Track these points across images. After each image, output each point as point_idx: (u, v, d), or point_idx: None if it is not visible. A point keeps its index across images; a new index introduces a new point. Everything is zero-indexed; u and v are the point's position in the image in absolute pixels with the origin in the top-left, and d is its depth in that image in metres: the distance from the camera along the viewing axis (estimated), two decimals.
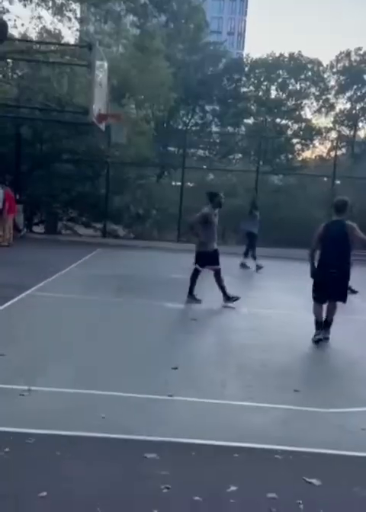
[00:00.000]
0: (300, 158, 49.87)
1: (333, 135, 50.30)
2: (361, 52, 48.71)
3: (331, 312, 9.13)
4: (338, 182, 29.92)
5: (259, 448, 4.91)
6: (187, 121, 46.90)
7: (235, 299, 11.67)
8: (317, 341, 8.84)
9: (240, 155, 46.91)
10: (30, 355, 7.26)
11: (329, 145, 47.46)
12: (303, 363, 7.85)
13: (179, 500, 3.96)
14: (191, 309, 11.02)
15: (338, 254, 8.87)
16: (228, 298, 11.68)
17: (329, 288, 8.99)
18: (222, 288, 11.79)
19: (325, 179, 30.42)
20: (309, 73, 49.37)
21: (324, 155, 47.54)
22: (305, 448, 4.94)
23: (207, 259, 11.80)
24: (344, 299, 9.02)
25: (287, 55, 49.21)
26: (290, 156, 48.60)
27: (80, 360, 7.22)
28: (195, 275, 11.88)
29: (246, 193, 26.27)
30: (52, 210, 26.78)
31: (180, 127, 44.28)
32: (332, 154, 37.15)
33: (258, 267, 18.44)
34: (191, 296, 11.83)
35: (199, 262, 11.87)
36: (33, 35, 23.60)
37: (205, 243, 11.78)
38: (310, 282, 9.24)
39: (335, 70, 49.76)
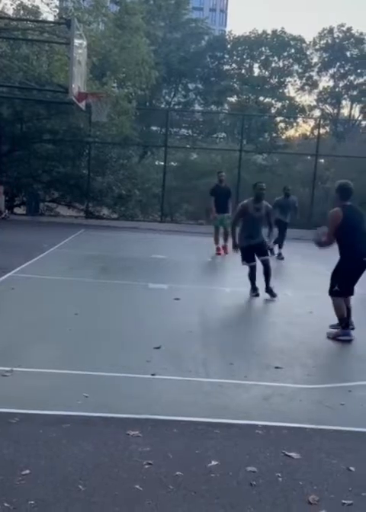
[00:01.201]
0: (283, 137, 49.86)
1: (317, 113, 50.34)
2: (344, 28, 48.56)
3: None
4: (321, 160, 30.00)
5: (240, 424, 4.98)
6: (170, 100, 46.70)
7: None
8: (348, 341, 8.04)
9: (224, 134, 46.83)
10: (13, 336, 7.29)
11: (312, 123, 47.52)
12: (284, 340, 7.91)
13: (161, 476, 4.01)
14: (173, 289, 11.05)
15: None
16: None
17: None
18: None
19: (309, 157, 30.46)
20: (292, 50, 49.17)
21: (308, 133, 47.57)
22: (285, 423, 5.02)
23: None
24: None
25: (269, 32, 48.98)
26: (273, 135, 48.57)
27: (63, 341, 7.26)
28: (250, 273, 11.07)
29: (229, 173, 26.30)
30: (33, 191, 26.62)
31: (162, 106, 44.09)
32: (316, 132, 37.16)
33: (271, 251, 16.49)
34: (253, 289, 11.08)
35: (245, 258, 11.13)
36: (10, 12, 23.29)
37: (242, 237, 11.12)
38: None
39: (317, 47, 49.62)
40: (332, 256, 8.59)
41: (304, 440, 4.74)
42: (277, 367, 6.57)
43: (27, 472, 3.96)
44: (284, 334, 8.29)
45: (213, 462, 4.22)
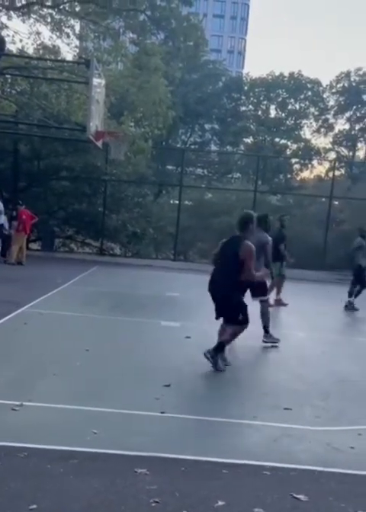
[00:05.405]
0: (298, 178, 50.13)
1: (332, 155, 50.57)
2: (361, 72, 49.12)
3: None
4: (336, 203, 30.10)
5: (248, 464, 4.95)
6: (186, 139, 47.13)
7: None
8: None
9: (239, 175, 47.15)
10: (23, 371, 7.31)
11: (327, 165, 47.73)
12: (294, 381, 7.88)
13: None
14: (185, 327, 11.06)
15: None
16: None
17: None
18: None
19: (324, 199, 30.54)
20: (309, 93, 49.72)
21: (322, 175, 47.74)
22: (294, 465, 4.99)
23: None
24: None
25: (286, 74, 49.53)
26: (288, 176, 48.84)
27: (73, 376, 7.26)
28: None
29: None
30: (49, 227, 26.85)
31: (179, 145, 44.48)
32: (331, 174, 37.29)
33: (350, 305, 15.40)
34: None
35: None
36: (31, 51, 23.71)
37: None
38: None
39: (334, 90, 50.09)
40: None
41: (312, 482, 4.71)
42: (286, 408, 6.53)
43: (34, 506, 3.95)
44: (294, 375, 8.25)
45: (220, 503, 4.20)
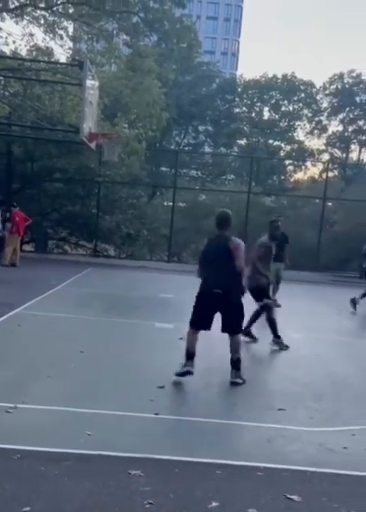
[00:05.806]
0: (292, 180, 50.18)
1: (325, 157, 50.65)
2: (354, 74, 49.17)
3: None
4: (329, 204, 30.14)
5: (242, 465, 4.96)
6: (180, 141, 47.13)
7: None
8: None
9: (232, 176, 47.18)
10: (17, 373, 7.29)
11: (321, 166, 47.80)
12: (288, 382, 7.89)
13: None
14: (179, 329, 11.03)
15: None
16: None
17: None
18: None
19: (317, 201, 30.55)
20: (302, 95, 49.79)
21: (316, 176, 47.80)
22: (287, 466, 5.00)
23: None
24: None
25: (280, 76, 49.60)
26: (282, 177, 48.89)
27: (67, 378, 7.26)
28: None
29: (237, 215, 26.39)
30: (42, 229, 26.78)
31: (172, 147, 44.46)
32: (324, 176, 37.35)
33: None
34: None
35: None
36: (24, 53, 23.61)
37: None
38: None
39: (327, 92, 50.17)
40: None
41: (306, 482, 4.72)
42: (280, 409, 6.54)
43: (28, 509, 3.95)
44: (288, 376, 8.27)
45: (214, 504, 4.21)
